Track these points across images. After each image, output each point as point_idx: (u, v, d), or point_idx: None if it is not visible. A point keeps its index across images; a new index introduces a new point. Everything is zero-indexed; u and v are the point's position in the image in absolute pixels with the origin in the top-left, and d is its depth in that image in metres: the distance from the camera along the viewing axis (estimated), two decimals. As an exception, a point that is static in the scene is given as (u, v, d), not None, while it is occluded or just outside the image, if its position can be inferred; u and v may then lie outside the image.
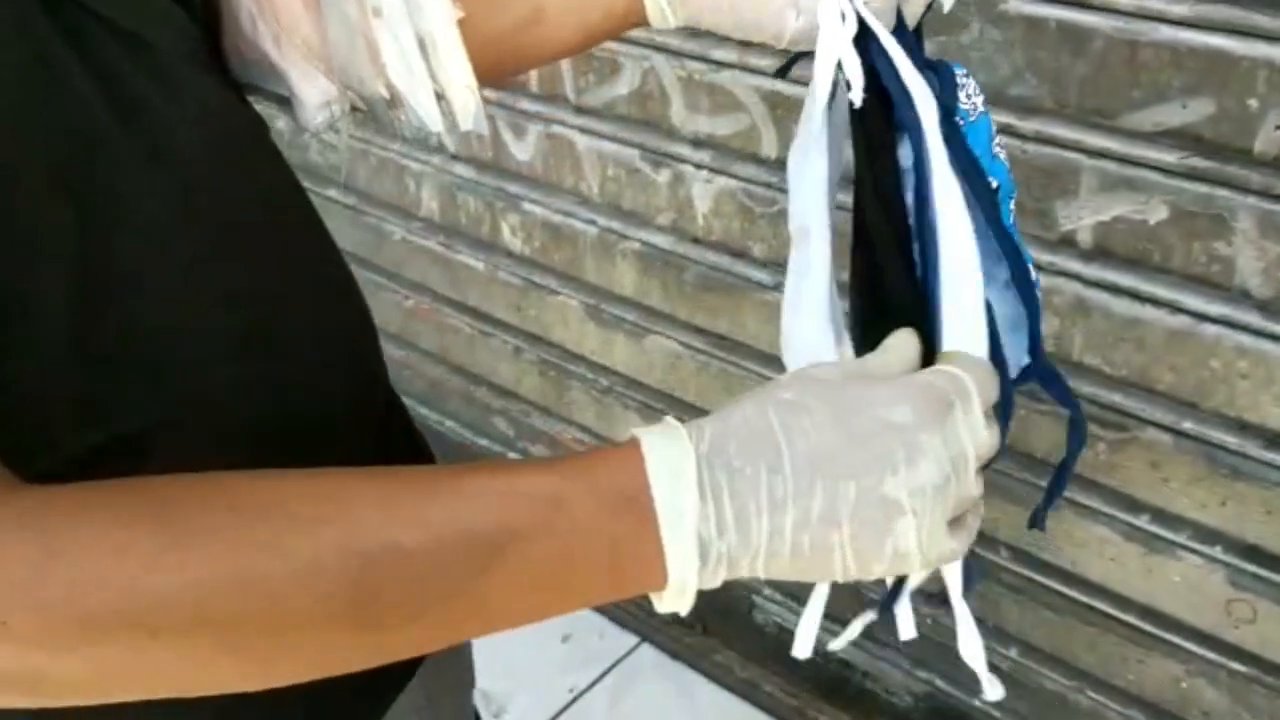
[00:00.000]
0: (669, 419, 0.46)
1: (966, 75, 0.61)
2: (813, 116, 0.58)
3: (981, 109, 0.61)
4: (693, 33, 1.32)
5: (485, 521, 0.42)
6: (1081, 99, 1.07)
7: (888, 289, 0.57)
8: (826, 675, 1.66)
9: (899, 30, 0.58)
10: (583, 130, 1.51)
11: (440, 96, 0.61)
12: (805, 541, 0.43)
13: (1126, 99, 1.04)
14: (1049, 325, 1.18)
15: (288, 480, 0.43)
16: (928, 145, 0.56)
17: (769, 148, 1.32)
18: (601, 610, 1.84)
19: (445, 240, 1.82)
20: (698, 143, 1.39)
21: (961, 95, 0.61)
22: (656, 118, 1.42)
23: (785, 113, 1.28)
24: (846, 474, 0.43)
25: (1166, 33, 1.00)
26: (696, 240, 1.47)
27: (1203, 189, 1.03)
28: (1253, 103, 0.97)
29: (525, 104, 1.57)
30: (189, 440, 0.51)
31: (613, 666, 1.82)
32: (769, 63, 1.27)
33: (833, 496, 0.43)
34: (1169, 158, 1.03)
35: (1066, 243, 1.14)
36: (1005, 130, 1.12)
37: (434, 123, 0.60)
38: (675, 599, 0.45)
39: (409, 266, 1.93)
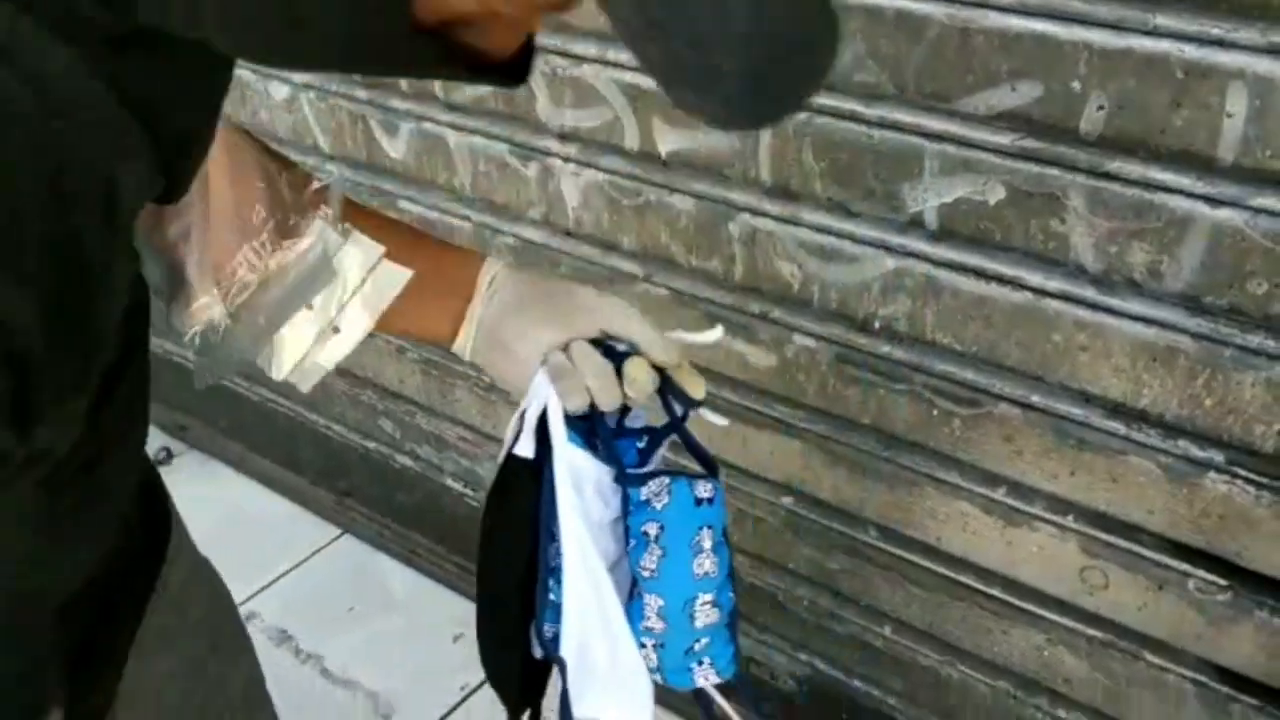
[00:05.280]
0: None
1: (694, 490, 0.74)
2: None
3: (669, 507, 0.74)
4: (556, 26, 1.33)
5: None
6: (920, 84, 1.10)
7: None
8: (715, 663, 1.67)
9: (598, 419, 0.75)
10: (453, 126, 1.52)
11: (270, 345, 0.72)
12: None
13: (961, 83, 1.07)
14: (903, 305, 1.21)
15: None
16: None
17: (631, 139, 1.33)
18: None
19: (324, 241, 1.80)
20: (564, 136, 1.40)
21: (648, 488, 0.74)
22: (523, 113, 1.43)
23: (645, 105, 1.30)
24: None
25: (995, 19, 1.03)
26: (568, 233, 1.48)
27: (1035, 169, 1.07)
28: (1075, 85, 1.01)
29: (396, 102, 1.56)
30: None
31: (506, 665, 1.83)
32: (627, 58, 1.28)
33: None
34: (1003, 140, 1.07)
35: (915, 224, 1.17)
36: (851, 116, 1.15)
37: (278, 371, 0.73)
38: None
39: (290, 269, 1.90)
